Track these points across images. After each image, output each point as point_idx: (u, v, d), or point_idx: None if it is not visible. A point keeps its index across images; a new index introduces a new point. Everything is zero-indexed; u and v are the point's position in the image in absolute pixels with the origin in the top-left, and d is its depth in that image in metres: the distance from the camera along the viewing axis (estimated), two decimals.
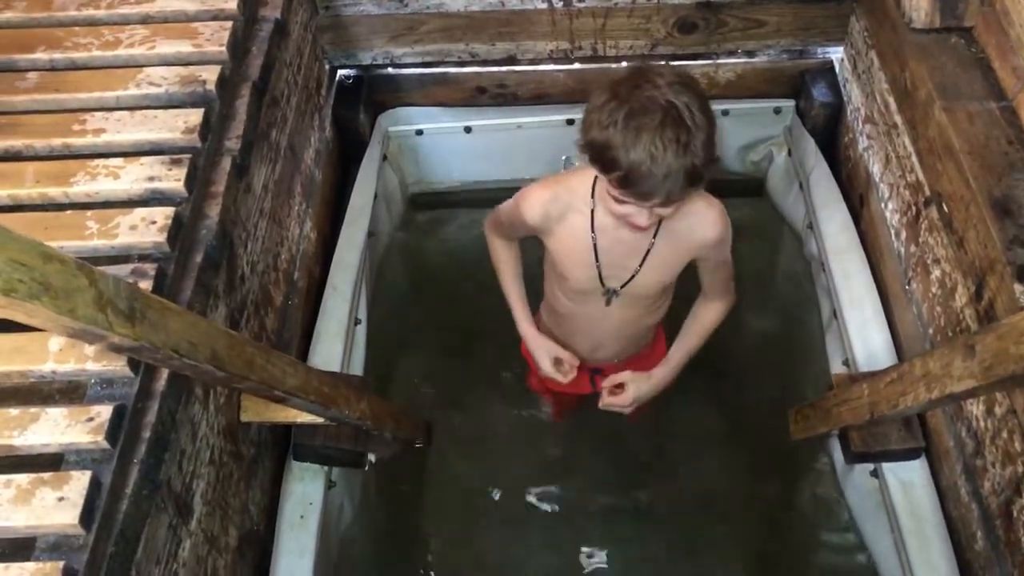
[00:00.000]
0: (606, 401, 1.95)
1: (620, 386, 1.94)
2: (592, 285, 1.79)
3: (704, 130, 1.38)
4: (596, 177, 1.60)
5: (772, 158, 2.82)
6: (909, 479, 1.96)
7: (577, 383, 2.05)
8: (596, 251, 1.73)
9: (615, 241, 1.71)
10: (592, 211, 1.69)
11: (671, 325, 2.01)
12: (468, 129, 2.77)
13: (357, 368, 2.25)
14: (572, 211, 1.71)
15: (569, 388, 2.11)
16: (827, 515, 2.24)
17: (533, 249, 1.92)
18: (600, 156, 1.43)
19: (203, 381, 1.58)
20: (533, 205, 1.72)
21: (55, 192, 1.65)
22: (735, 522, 2.30)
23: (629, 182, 1.41)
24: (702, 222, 1.70)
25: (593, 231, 1.70)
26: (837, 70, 2.63)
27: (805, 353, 2.49)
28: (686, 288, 1.92)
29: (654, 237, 1.71)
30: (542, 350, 1.98)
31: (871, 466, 2.04)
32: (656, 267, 1.77)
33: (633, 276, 1.77)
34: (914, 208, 2.06)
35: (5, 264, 0.79)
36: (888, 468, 1.98)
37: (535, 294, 2.03)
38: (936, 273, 1.94)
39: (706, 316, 1.94)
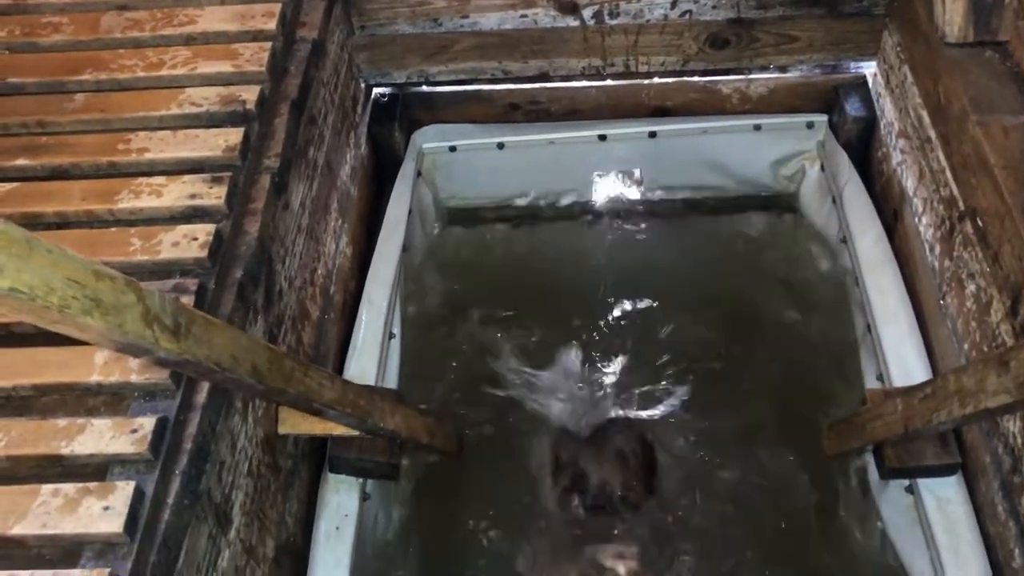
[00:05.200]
0: None
1: None
2: None
3: None
4: None
5: (805, 172, 2.81)
6: (945, 495, 1.94)
7: None
8: None
9: None
10: None
11: None
12: (501, 145, 2.79)
13: (391, 381, 2.28)
14: None
15: None
16: (862, 531, 2.22)
17: None
18: None
19: (243, 394, 1.62)
20: None
21: (100, 210, 1.70)
22: (768, 540, 2.29)
23: None
24: None
25: None
26: (870, 85, 2.62)
27: (839, 367, 2.47)
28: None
29: None
30: None
31: (906, 482, 2.02)
32: None
33: None
34: (948, 222, 2.05)
35: (60, 282, 0.82)
36: (924, 484, 1.97)
37: None
38: (971, 288, 1.93)
39: None
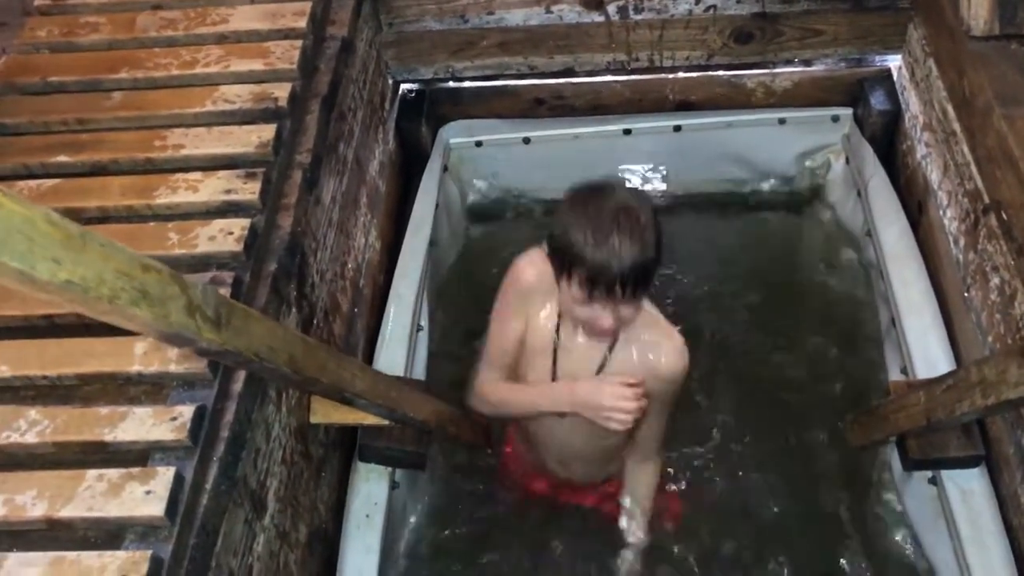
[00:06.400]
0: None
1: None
2: None
3: (654, 228, 1.48)
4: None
5: (830, 166, 2.83)
6: (968, 487, 1.95)
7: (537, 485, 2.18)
8: (555, 354, 1.75)
9: (573, 348, 1.73)
10: (559, 314, 1.72)
11: None
12: (526, 140, 2.83)
13: (419, 373, 2.32)
14: (550, 296, 1.72)
15: (534, 488, 2.21)
16: (885, 523, 2.23)
17: None
18: (566, 254, 1.50)
19: (278, 383, 1.66)
20: (528, 269, 1.75)
21: (139, 205, 1.75)
22: (791, 531, 2.30)
23: (593, 276, 1.46)
24: (662, 353, 1.69)
25: (557, 332, 1.74)
26: (895, 78, 2.63)
27: (863, 360, 2.49)
28: None
29: (610, 351, 1.71)
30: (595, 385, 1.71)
31: (929, 474, 2.04)
32: None
33: None
34: (973, 216, 2.06)
35: (111, 274, 0.86)
36: (947, 476, 1.98)
37: None
38: (995, 281, 1.94)
39: (648, 479, 1.96)
